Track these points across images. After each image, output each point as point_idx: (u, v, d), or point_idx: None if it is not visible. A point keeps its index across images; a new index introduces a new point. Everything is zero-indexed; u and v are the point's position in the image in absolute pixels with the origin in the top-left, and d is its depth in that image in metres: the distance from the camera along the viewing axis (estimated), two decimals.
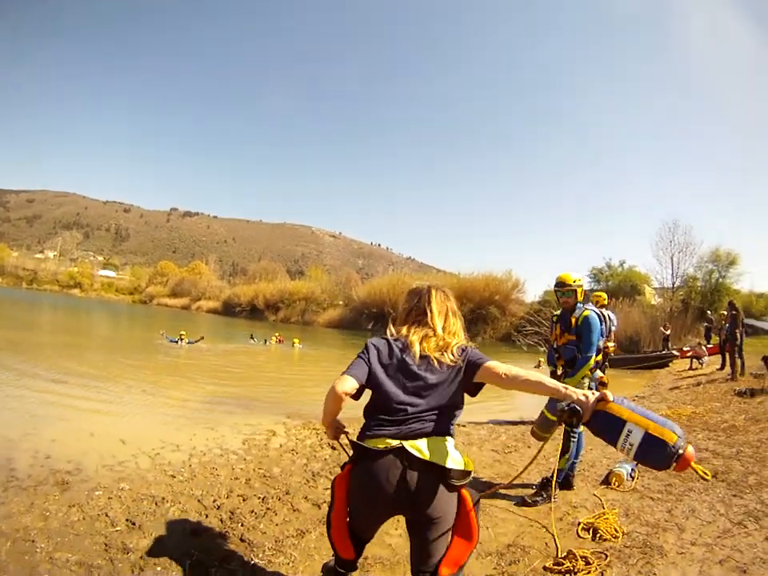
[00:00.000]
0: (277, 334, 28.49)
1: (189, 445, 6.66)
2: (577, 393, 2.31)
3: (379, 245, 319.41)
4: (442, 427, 2.53)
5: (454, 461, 2.43)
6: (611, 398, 2.27)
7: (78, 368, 12.69)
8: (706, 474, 2.34)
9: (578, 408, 2.29)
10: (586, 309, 5.13)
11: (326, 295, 67.24)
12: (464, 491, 2.51)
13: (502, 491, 5.11)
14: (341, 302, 65.54)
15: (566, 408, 2.32)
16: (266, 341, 27.31)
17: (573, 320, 5.16)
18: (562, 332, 5.35)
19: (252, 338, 28.18)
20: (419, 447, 2.37)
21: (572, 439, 5.16)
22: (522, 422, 9.13)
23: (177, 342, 21.62)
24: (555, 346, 5.56)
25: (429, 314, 2.75)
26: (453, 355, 2.60)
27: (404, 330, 2.73)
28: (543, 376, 2.45)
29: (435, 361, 2.56)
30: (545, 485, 4.96)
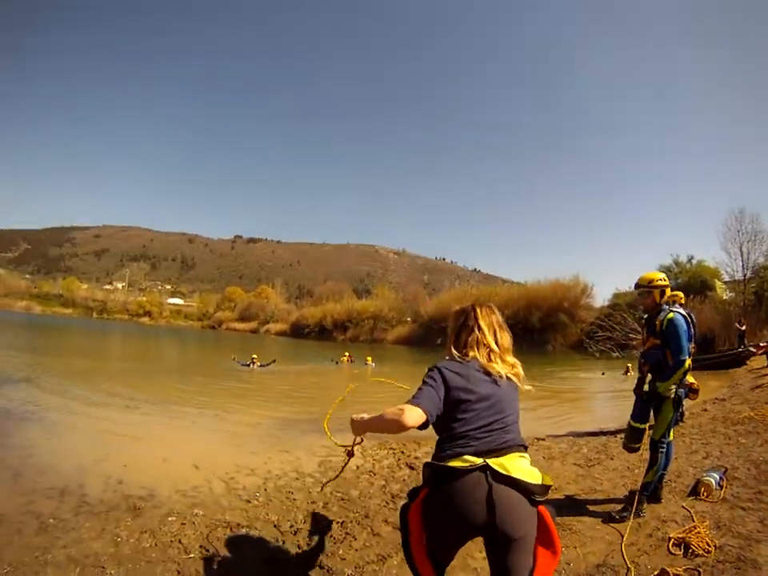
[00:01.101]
0: (347, 354, 28.50)
1: (263, 468, 6.62)
2: None
3: (444, 259, 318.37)
4: (519, 442, 2.53)
5: (534, 476, 2.43)
6: None
7: (149, 394, 12.92)
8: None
9: None
10: (672, 311, 4.84)
11: (394, 312, 67.69)
12: (542, 506, 2.49)
13: (589, 507, 5.04)
14: (409, 319, 65.88)
15: None
16: (336, 362, 27.38)
17: (657, 323, 4.88)
18: (648, 336, 5.11)
19: (335, 362, 28.04)
20: (503, 464, 2.36)
21: (660, 451, 4.87)
22: (602, 433, 8.85)
23: (249, 365, 21.93)
24: (642, 350, 5.29)
25: (478, 331, 2.75)
26: (519, 370, 2.73)
27: (464, 350, 2.72)
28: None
29: (503, 377, 2.60)
30: (632, 499, 4.73)
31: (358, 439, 3.10)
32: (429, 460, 2.52)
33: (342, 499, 5.50)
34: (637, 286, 5.16)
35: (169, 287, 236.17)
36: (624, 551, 3.96)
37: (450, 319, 2.94)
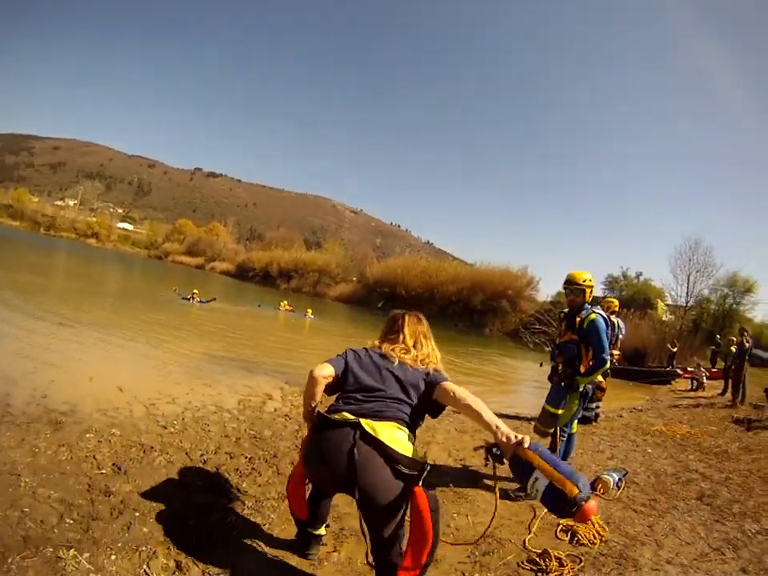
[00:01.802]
0: (285, 302, 28.51)
1: (185, 399, 6.74)
2: (503, 434, 2.46)
3: (399, 225, 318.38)
4: (401, 416, 2.66)
5: (405, 448, 2.53)
6: (527, 445, 2.39)
7: (85, 314, 12.82)
8: (602, 530, 2.41)
9: (499, 450, 2.51)
10: (594, 311, 5.01)
11: (341, 270, 67.38)
12: (418, 488, 2.55)
13: (488, 482, 5.17)
14: (354, 278, 65.58)
15: (488, 448, 2.56)
16: (276, 308, 27.44)
17: (578, 320, 5.06)
18: (566, 329, 5.27)
19: (259, 306, 28.21)
20: (373, 426, 2.51)
21: (561, 438, 5.16)
22: (518, 417, 9.13)
23: (189, 299, 21.81)
24: (558, 342, 5.47)
25: (402, 335, 3.09)
26: (420, 365, 2.93)
27: (379, 343, 3.09)
28: (485, 408, 2.59)
29: (406, 365, 2.87)
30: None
31: None
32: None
33: (255, 437, 5.65)
34: (571, 282, 5.20)
35: (121, 211, 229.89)
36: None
37: (385, 322, 3.30)
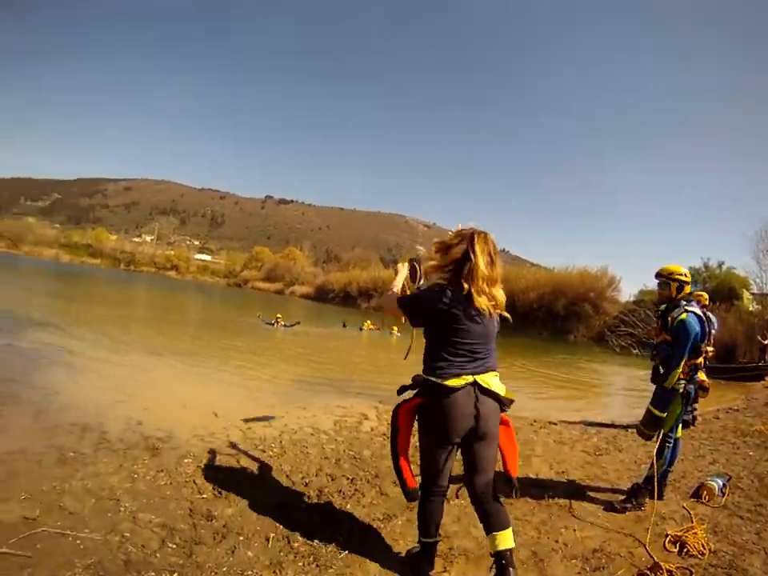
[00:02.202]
0: (369, 321, 28.61)
1: (281, 422, 6.76)
2: None
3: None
4: (495, 366, 3.16)
5: (505, 391, 3.12)
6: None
7: (172, 343, 13.21)
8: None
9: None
10: (686, 310, 4.74)
11: (419, 285, 67.00)
12: (504, 415, 3.21)
13: (592, 494, 5.10)
14: None
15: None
16: (360, 328, 27.54)
17: (670, 319, 4.84)
18: (661, 330, 5.08)
19: (344, 325, 28.49)
20: (486, 380, 3.02)
21: (667, 444, 4.90)
22: (614, 426, 8.80)
23: (272, 324, 22.17)
24: (654, 342, 5.24)
25: (474, 258, 3.07)
26: (501, 303, 3.14)
27: (460, 281, 3.08)
28: None
29: (489, 314, 3.06)
30: (635, 491, 4.81)
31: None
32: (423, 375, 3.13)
33: (355, 458, 5.61)
34: (657, 275, 5.12)
35: (197, 243, 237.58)
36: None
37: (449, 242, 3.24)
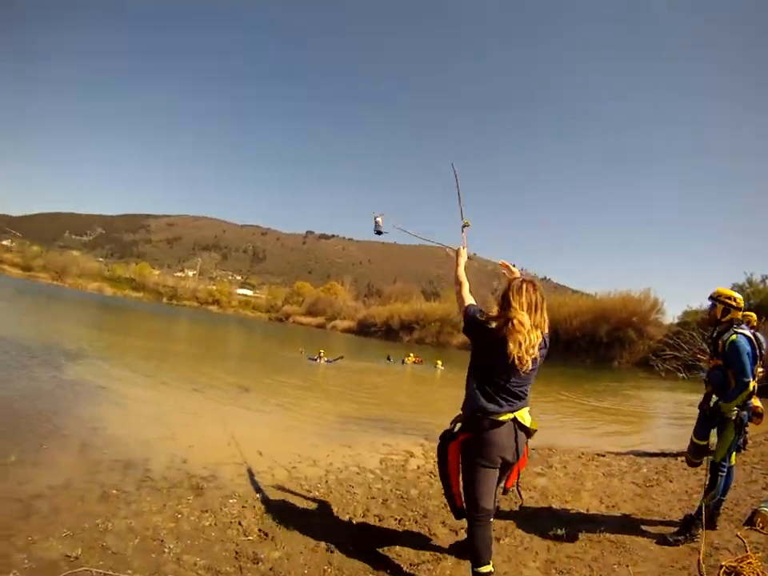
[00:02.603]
0: (411, 355, 28.47)
1: (325, 461, 6.71)
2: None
3: (514, 265, 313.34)
4: (528, 402, 3.57)
5: (533, 424, 3.56)
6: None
7: (216, 379, 13.28)
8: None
9: None
10: (735, 332, 4.75)
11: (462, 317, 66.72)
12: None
13: (643, 527, 5.00)
14: None
15: None
16: (402, 361, 27.38)
17: (720, 343, 4.85)
18: (712, 355, 5.08)
19: (388, 358, 28.29)
20: (522, 416, 3.48)
21: (720, 474, 4.81)
22: (663, 454, 8.69)
23: (315, 359, 22.13)
24: (706, 368, 5.30)
25: (516, 305, 3.48)
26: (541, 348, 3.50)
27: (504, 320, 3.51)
28: None
29: (533, 359, 3.42)
30: (687, 523, 4.72)
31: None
32: (466, 410, 3.54)
33: (402, 497, 5.54)
34: (710, 297, 5.16)
35: (239, 278, 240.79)
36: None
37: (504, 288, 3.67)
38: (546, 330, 3.53)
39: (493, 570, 3.40)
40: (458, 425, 3.62)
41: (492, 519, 3.59)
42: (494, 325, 3.44)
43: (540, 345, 3.43)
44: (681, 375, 25.19)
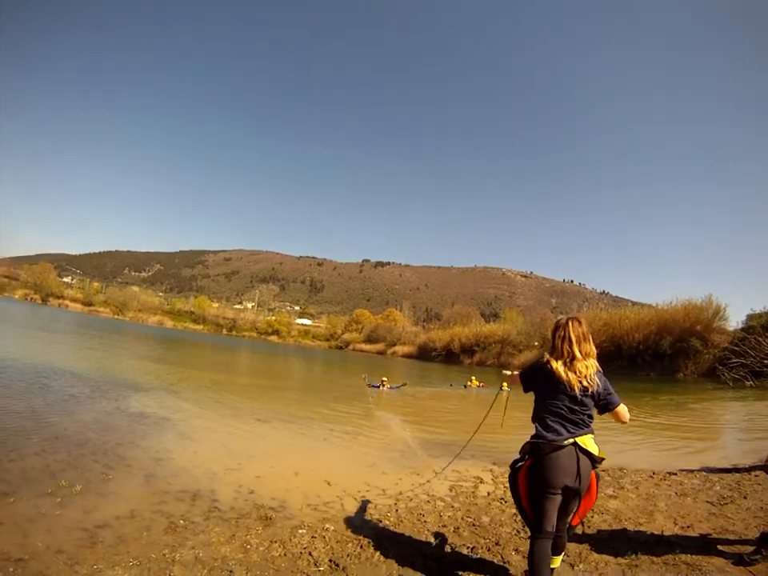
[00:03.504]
0: (474, 378, 28.19)
1: (395, 489, 6.65)
2: None
3: (572, 281, 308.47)
4: (591, 429, 3.72)
5: (597, 451, 3.70)
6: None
7: (281, 409, 13.33)
8: None
9: None
10: None
11: (522, 337, 66.11)
12: (593, 471, 3.78)
13: (720, 547, 4.84)
14: (536, 343, 64.06)
15: None
16: (465, 385, 27.16)
17: None
18: None
19: (450, 385, 27.98)
20: (584, 441, 3.64)
21: None
22: (736, 470, 8.41)
23: (378, 387, 22.12)
24: None
25: (567, 341, 3.86)
26: (592, 376, 3.73)
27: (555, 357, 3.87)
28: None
29: (583, 387, 3.68)
30: (764, 540, 4.51)
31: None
32: (530, 440, 3.79)
33: (473, 525, 5.43)
34: None
35: (297, 308, 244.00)
36: None
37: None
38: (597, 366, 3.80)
39: None
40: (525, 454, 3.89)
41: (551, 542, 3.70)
42: (547, 362, 3.79)
43: (595, 373, 3.72)
44: (748, 383, 24.29)
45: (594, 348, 3.82)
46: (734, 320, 43.99)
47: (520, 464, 3.91)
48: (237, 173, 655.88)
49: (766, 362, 23.91)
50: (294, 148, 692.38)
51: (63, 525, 4.27)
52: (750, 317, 39.17)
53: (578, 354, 3.73)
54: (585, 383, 3.63)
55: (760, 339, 24.74)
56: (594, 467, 3.74)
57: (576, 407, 3.66)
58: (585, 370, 3.67)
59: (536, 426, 3.79)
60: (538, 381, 3.84)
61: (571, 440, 3.62)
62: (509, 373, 4.59)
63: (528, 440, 3.83)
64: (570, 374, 3.67)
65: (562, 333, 3.83)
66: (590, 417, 3.74)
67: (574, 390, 3.63)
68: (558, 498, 3.63)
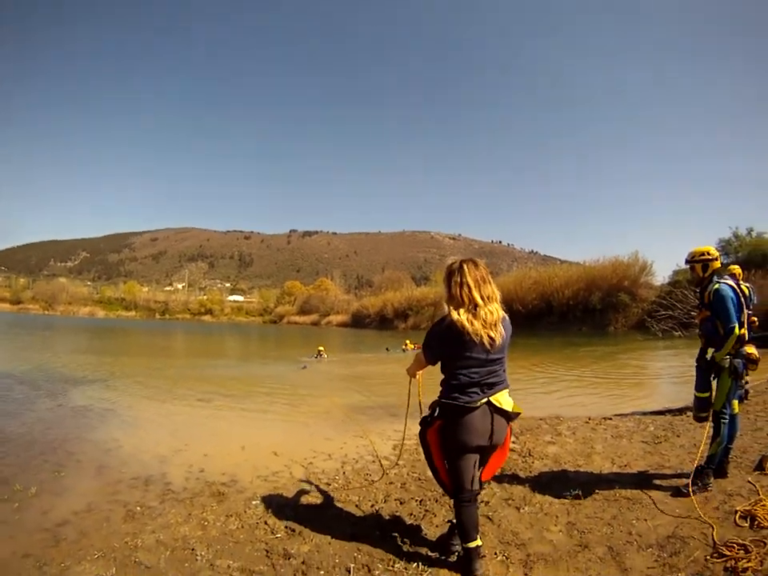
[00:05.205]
0: (408, 341, 28.61)
1: (340, 453, 6.83)
2: None
3: (500, 242, 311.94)
4: (506, 384, 3.58)
5: (512, 406, 3.55)
6: None
7: (220, 388, 13.29)
8: None
9: None
10: (718, 282, 5.01)
11: None
12: (509, 425, 3.65)
13: (657, 482, 5.18)
14: None
15: None
16: (403, 350, 27.54)
17: (706, 295, 5.09)
18: (699, 308, 5.33)
19: (387, 350, 28.48)
20: (498, 399, 3.47)
21: (722, 421, 4.99)
22: (668, 411, 8.96)
23: (316, 357, 22.48)
24: (697, 321, 5.50)
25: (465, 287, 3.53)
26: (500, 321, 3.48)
27: (457, 307, 3.52)
28: None
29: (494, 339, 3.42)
30: (699, 473, 4.89)
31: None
32: (439, 399, 3.56)
33: (419, 479, 5.63)
34: (686, 261, 5.40)
35: (228, 285, 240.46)
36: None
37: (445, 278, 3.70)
38: (502, 313, 3.52)
39: (481, 544, 3.53)
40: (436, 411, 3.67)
41: (477, 498, 3.69)
42: (450, 316, 3.38)
43: (502, 319, 3.47)
44: (677, 333, 25.38)
45: (496, 291, 3.53)
46: (661, 275, 45.52)
47: (429, 419, 3.73)
48: (160, 148, 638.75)
49: (692, 313, 25.02)
50: (216, 120, 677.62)
51: (24, 528, 4.27)
52: (677, 272, 40.38)
53: (479, 300, 3.39)
54: (492, 333, 3.35)
55: (686, 292, 25.90)
56: (508, 423, 3.58)
57: (487, 361, 3.40)
58: (489, 317, 3.37)
59: (445, 388, 3.54)
60: (448, 343, 3.43)
61: (485, 400, 3.42)
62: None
63: (437, 399, 3.61)
64: (475, 323, 3.33)
65: (458, 278, 3.47)
66: (503, 370, 3.54)
67: (483, 343, 3.32)
68: (473, 458, 3.53)
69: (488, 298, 3.42)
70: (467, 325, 3.29)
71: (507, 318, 3.56)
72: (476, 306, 3.37)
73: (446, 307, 3.51)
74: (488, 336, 3.32)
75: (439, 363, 3.62)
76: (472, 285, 3.42)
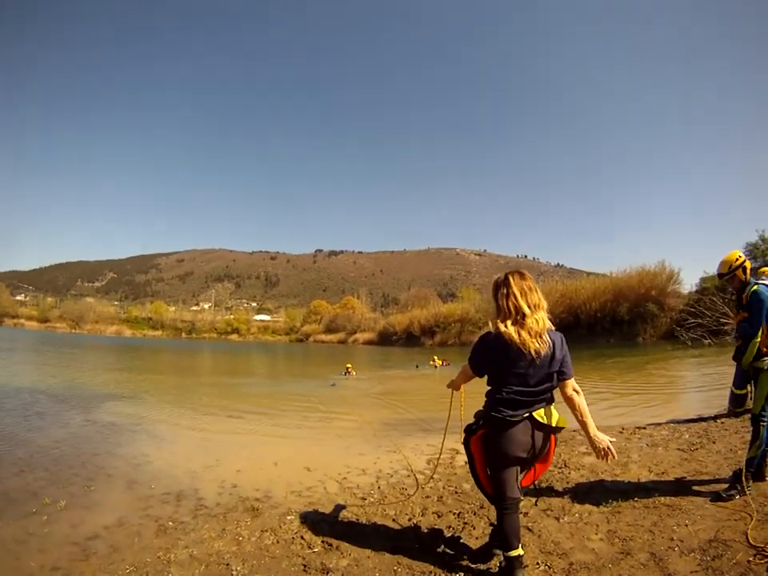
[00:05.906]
0: (436, 357, 28.49)
1: (374, 468, 6.74)
2: (597, 440, 3.46)
3: (525, 256, 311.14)
4: (549, 400, 3.55)
5: (557, 420, 3.54)
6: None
7: (250, 404, 13.28)
8: None
9: None
10: (756, 283, 5.07)
11: (481, 314, 66.48)
12: (552, 436, 3.65)
13: (695, 488, 5.14)
14: None
15: None
16: (434, 366, 27.41)
17: (744, 297, 5.15)
18: (738, 310, 5.34)
19: (417, 366, 28.20)
20: (540, 414, 3.45)
21: (762, 423, 4.92)
22: (702, 419, 8.82)
23: (345, 375, 22.52)
24: (734, 324, 5.57)
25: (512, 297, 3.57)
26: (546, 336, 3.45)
27: (504, 321, 3.55)
28: (589, 418, 3.52)
29: (539, 351, 3.39)
30: (737, 477, 4.83)
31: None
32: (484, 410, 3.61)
33: (456, 492, 5.55)
34: (720, 275, 5.44)
35: (254, 304, 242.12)
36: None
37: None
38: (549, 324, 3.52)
39: (522, 553, 3.47)
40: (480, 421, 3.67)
41: (519, 506, 3.63)
42: (498, 329, 3.43)
43: (548, 330, 3.46)
44: (707, 342, 25.04)
45: (543, 300, 3.54)
46: (689, 283, 45.00)
47: (474, 428, 3.69)
48: (186, 171, 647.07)
49: (722, 320, 24.70)
50: (238, 142, 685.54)
51: (54, 542, 4.23)
52: (704, 279, 39.95)
53: (525, 309, 3.40)
54: (538, 342, 3.32)
55: (714, 299, 25.55)
56: (550, 436, 3.62)
57: (533, 376, 3.39)
58: (536, 325, 3.36)
59: (489, 398, 3.57)
60: (494, 356, 3.47)
61: (527, 414, 3.42)
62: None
63: (482, 409, 3.65)
64: (522, 333, 3.33)
65: (505, 290, 3.52)
66: (551, 386, 3.49)
67: (531, 354, 3.31)
68: (514, 468, 3.53)
69: (535, 306, 3.44)
70: (514, 336, 3.31)
71: (561, 335, 3.56)
72: (523, 315, 3.38)
73: (490, 325, 3.57)
74: (535, 345, 3.30)
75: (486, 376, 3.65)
76: (518, 294, 3.45)
